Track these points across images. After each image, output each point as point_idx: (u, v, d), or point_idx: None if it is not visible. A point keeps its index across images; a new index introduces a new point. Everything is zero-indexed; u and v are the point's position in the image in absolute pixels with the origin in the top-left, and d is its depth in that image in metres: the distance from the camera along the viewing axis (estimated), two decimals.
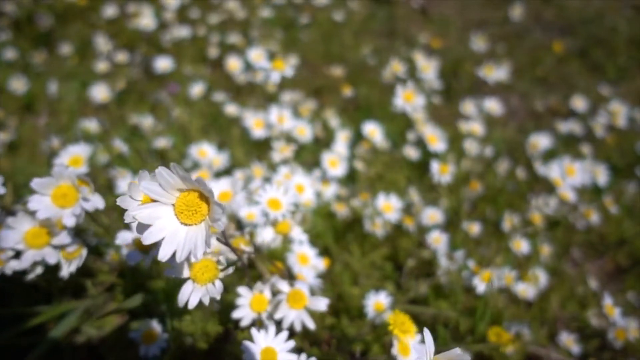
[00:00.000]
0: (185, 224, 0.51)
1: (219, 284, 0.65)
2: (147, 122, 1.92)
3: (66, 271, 0.82)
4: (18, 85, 2.11)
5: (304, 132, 1.63)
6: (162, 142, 1.79)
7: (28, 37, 2.52)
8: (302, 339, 1.04)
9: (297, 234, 1.05)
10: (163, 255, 0.50)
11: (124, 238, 0.85)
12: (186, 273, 0.65)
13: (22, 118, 2.13)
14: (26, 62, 2.37)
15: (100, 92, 2.12)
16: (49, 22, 2.56)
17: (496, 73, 1.78)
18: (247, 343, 0.68)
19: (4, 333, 0.98)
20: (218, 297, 0.64)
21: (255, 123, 1.63)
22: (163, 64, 2.22)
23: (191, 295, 0.64)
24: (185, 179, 0.50)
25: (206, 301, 0.64)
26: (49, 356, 0.99)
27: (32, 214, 0.72)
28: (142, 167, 1.67)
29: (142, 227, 0.52)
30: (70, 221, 0.71)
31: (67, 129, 1.98)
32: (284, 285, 0.80)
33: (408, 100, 1.44)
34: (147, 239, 0.50)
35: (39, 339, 0.98)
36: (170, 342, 0.91)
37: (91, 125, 1.85)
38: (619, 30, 3.24)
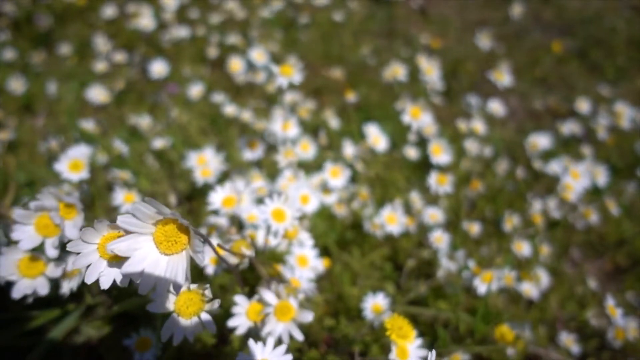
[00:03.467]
0: (165, 254, 0.51)
1: (205, 317, 0.63)
2: (145, 122, 1.92)
3: (66, 288, 0.81)
4: (17, 85, 2.11)
5: (307, 147, 1.63)
6: (161, 143, 1.79)
7: (27, 38, 2.52)
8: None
9: (305, 238, 1.04)
10: (144, 289, 0.49)
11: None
12: (170, 307, 0.62)
13: (21, 118, 2.13)
14: (25, 63, 2.37)
15: (98, 94, 2.10)
16: (48, 22, 2.56)
17: (506, 78, 1.78)
18: (242, 355, 0.66)
19: (4, 334, 0.98)
20: (213, 331, 0.62)
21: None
22: (158, 68, 2.17)
23: (175, 331, 0.61)
24: (161, 213, 0.49)
25: (191, 337, 0.62)
26: (49, 356, 0.99)
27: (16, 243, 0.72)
28: (141, 168, 1.67)
29: (94, 271, 0.52)
30: (53, 252, 0.71)
31: (66, 130, 1.97)
32: (271, 298, 0.79)
33: (415, 117, 1.44)
34: (127, 270, 0.49)
35: (39, 340, 0.98)
36: (163, 347, 0.91)
37: (90, 125, 1.85)
38: (618, 30, 3.25)
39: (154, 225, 0.51)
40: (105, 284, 0.52)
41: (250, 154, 1.59)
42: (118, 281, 0.52)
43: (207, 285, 0.64)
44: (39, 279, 0.75)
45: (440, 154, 1.51)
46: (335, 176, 1.49)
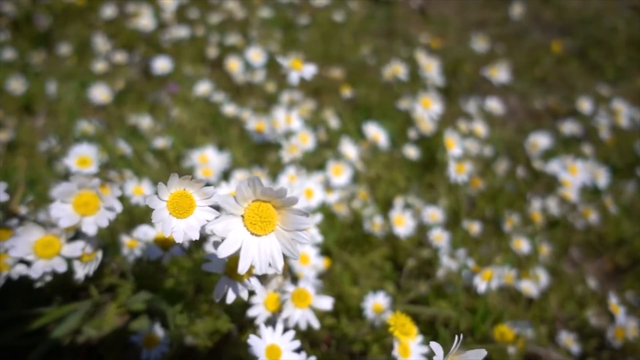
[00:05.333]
0: (257, 235, 0.52)
1: (254, 280, 0.67)
2: (146, 122, 1.92)
3: (81, 274, 0.81)
4: (17, 85, 2.11)
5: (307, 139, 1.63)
6: (161, 142, 1.79)
7: (27, 37, 2.51)
8: (302, 338, 1.04)
9: (314, 234, 1.05)
10: (243, 268, 0.50)
11: (144, 233, 0.84)
12: (221, 269, 0.67)
13: (20, 118, 2.13)
14: (25, 62, 2.37)
15: (99, 93, 2.10)
16: (47, 22, 2.56)
17: (501, 75, 1.80)
18: (253, 338, 0.69)
19: (5, 334, 0.98)
20: (259, 291, 0.69)
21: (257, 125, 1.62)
22: (161, 64, 2.20)
23: (228, 290, 0.65)
24: (265, 192, 0.50)
25: (245, 296, 0.66)
26: (49, 356, 0.99)
27: (55, 221, 0.72)
28: (141, 168, 1.68)
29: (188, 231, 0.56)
30: (92, 229, 0.72)
31: (66, 130, 1.97)
32: (288, 285, 0.80)
33: (426, 107, 1.47)
34: (223, 252, 0.50)
35: (40, 340, 0.98)
36: (171, 342, 0.91)
37: (90, 125, 1.85)
38: (617, 30, 3.25)
39: (245, 205, 0.52)
40: (178, 238, 0.56)
41: (258, 136, 1.60)
42: (190, 235, 0.56)
43: None
44: (55, 259, 0.76)
45: (454, 147, 1.54)
46: (338, 174, 1.49)
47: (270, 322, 0.81)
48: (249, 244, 0.51)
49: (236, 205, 0.51)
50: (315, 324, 0.79)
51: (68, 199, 0.71)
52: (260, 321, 0.81)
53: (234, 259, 0.66)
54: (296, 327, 0.79)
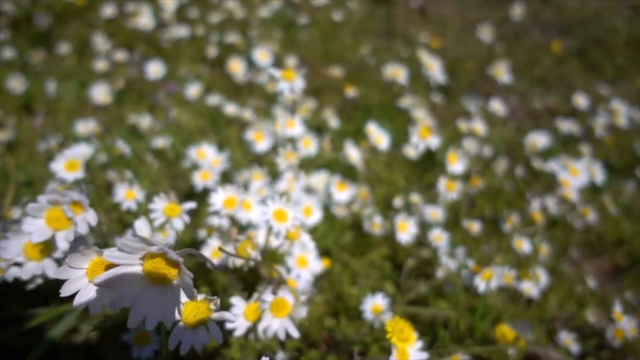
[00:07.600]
0: (152, 287, 0.47)
1: (213, 327, 0.59)
2: (145, 121, 1.92)
3: None
4: (16, 84, 2.11)
5: (309, 144, 1.63)
6: (160, 142, 1.79)
7: (26, 37, 2.51)
8: (301, 339, 1.04)
9: (306, 240, 1.04)
10: (133, 322, 0.46)
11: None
12: (177, 316, 0.57)
13: (20, 118, 2.12)
14: (24, 62, 2.36)
15: (100, 92, 2.10)
16: (47, 21, 2.56)
17: (505, 76, 1.79)
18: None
19: (3, 334, 0.98)
20: (220, 340, 0.59)
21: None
22: (155, 69, 2.13)
23: (183, 340, 0.59)
24: (147, 249, 0.46)
25: (198, 348, 0.59)
26: (48, 356, 0.99)
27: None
28: (140, 168, 1.67)
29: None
30: (64, 245, 0.71)
31: (65, 129, 1.97)
32: (267, 294, 0.79)
33: (423, 138, 1.38)
34: (114, 305, 0.45)
35: (38, 339, 0.98)
36: (162, 344, 0.91)
37: (89, 125, 1.85)
38: (617, 30, 3.25)
39: (142, 258, 0.47)
40: (94, 311, 0.50)
41: (258, 147, 1.59)
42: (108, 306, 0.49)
43: (216, 298, 0.62)
44: (45, 261, 0.76)
45: (456, 162, 1.51)
46: (342, 189, 1.49)
47: (251, 331, 0.80)
48: (143, 297, 0.46)
49: (127, 257, 0.46)
50: (295, 334, 0.77)
51: (39, 214, 0.71)
52: (240, 333, 0.79)
53: (189, 305, 0.60)
54: (275, 337, 0.77)
